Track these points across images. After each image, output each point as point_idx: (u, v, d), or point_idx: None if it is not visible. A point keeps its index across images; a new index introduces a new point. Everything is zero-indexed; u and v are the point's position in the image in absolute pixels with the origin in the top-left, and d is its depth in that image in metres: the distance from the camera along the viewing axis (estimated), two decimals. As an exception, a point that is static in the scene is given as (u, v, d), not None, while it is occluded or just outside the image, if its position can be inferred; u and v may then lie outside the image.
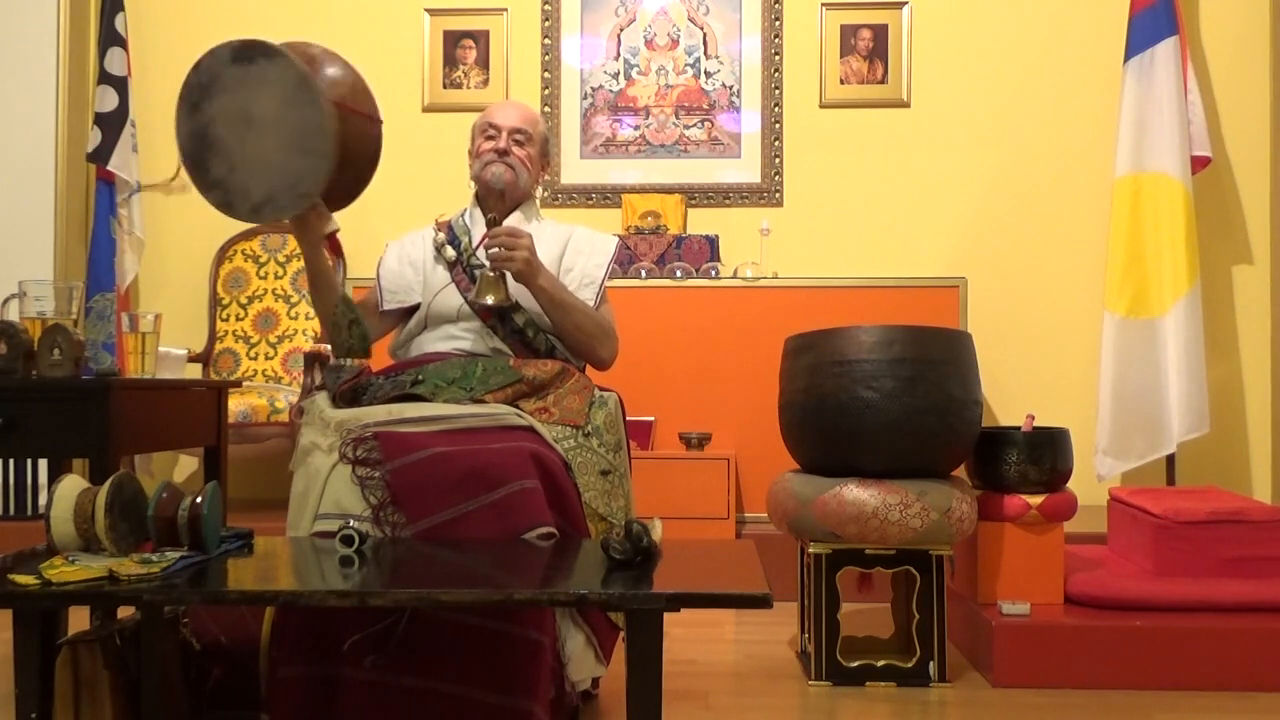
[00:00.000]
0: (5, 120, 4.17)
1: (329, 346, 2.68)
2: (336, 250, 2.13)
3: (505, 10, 4.39)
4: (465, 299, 2.33)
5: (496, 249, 2.23)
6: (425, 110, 4.39)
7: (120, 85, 4.17)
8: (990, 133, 4.28)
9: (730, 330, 3.82)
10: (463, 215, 2.48)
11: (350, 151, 2.06)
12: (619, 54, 4.37)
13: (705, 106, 4.34)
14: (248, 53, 2.01)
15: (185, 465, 4.40)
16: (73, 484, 1.69)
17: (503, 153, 2.38)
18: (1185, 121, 3.83)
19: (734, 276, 3.94)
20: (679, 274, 3.94)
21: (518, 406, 2.12)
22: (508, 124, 2.41)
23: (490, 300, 2.26)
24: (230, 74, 2.02)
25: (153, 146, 4.33)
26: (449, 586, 1.50)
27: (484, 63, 4.40)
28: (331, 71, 2.07)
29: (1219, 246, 4.17)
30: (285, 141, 2.00)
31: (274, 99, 2.00)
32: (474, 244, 2.38)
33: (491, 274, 2.26)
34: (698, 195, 4.30)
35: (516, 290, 2.29)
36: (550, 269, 2.33)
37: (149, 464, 4.19)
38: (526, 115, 2.46)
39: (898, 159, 4.30)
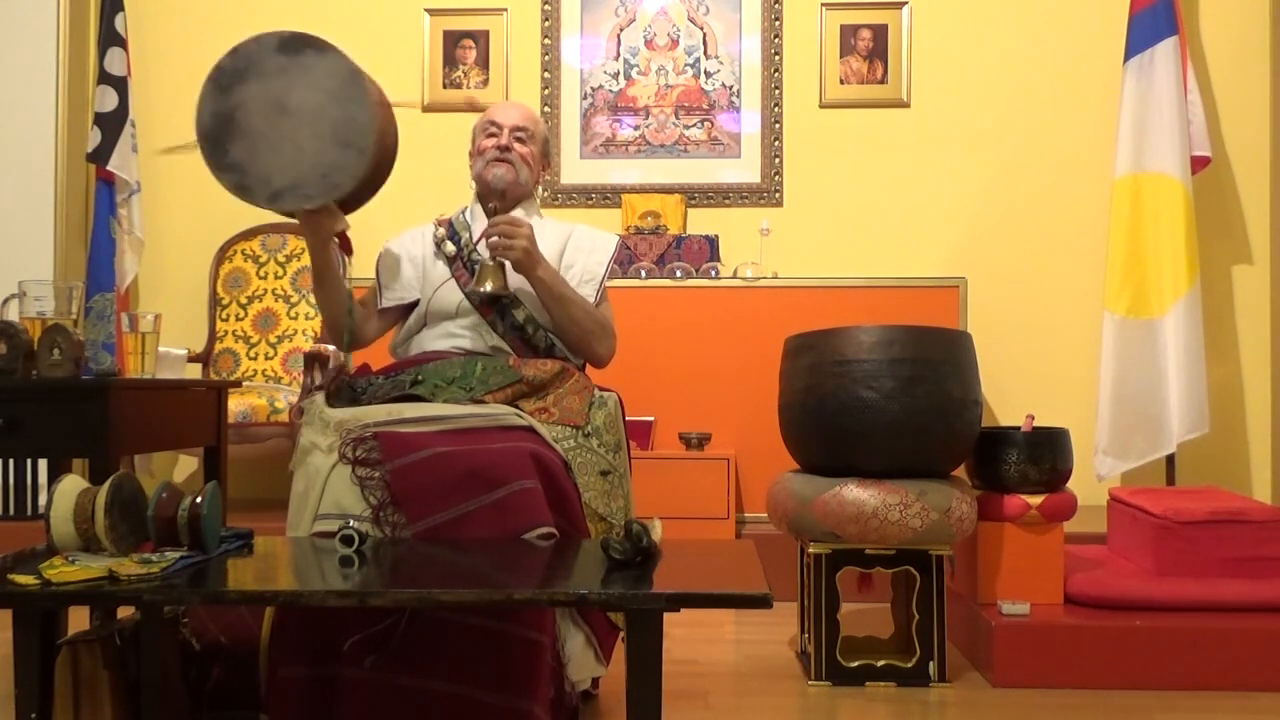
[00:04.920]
0: (5, 120, 4.17)
1: (330, 346, 2.68)
2: (347, 248, 2.16)
3: (505, 10, 4.38)
4: (465, 293, 2.33)
5: (496, 237, 2.24)
6: (425, 110, 4.39)
7: (120, 85, 4.16)
8: (990, 133, 4.27)
9: (730, 330, 3.81)
10: (463, 213, 2.48)
11: (383, 150, 2.13)
12: (619, 54, 4.37)
13: (705, 106, 4.34)
14: (296, 44, 2.06)
15: (185, 465, 4.40)
16: (73, 484, 1.70)
17: (504, 149, 2.38)
18: (1185, 121, 3.83)
19: (734, 276, 3.94)
20: (679, 274, 3.93)
21: (517, 406, 2.11)
22: (509, 122, 2.41)
23: (489, 287, 2.26)
24: (273, 62, 2.06)
25: (152, 146, 4.33)
26: (449, 586, 1.50)
27: (484, 63, 4.40)
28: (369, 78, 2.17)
29: (1219, 246, 4.17)
30: (323, 132, 2.05)
31: (318, 90, 2.05)
32: (474, 239, 2.38)
33: (491, 262, 2.27)
34: (698, 195, 4.30)
35: (516, 284, 2.29)
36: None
37: (149, 464, 4.19)
38: (527, 114, 2.47)
39: (898, 159, 4.30)
